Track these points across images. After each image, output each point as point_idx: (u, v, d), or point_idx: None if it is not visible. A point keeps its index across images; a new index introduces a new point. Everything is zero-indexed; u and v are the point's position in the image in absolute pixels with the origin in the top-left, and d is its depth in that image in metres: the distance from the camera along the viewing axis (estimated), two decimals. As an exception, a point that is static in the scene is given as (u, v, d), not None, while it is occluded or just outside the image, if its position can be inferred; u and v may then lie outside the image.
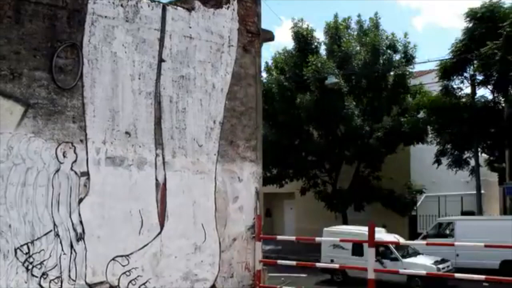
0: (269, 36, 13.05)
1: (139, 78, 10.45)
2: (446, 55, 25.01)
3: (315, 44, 27.93)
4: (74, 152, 9.53)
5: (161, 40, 10.80)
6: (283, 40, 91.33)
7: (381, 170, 28.51)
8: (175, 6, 11.25)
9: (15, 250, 8.78)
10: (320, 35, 28.36)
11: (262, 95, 12.93)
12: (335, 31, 27.28)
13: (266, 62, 29.61)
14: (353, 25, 28.38)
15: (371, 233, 11.12)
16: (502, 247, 14.96)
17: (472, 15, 23.88)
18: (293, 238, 17.09)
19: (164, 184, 10.70)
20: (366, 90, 27.07)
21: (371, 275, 10.87)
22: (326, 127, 26.83)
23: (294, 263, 13.41)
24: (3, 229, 8.68)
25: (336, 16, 27.95)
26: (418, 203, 30.21)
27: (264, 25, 12.75)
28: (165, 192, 10.70)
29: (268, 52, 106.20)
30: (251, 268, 11.97)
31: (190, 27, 11.26)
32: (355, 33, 28.17)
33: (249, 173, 12.19)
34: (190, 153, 11.14)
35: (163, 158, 10.72)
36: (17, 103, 8.96)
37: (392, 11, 79.34)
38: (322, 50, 27.92)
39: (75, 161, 9.54)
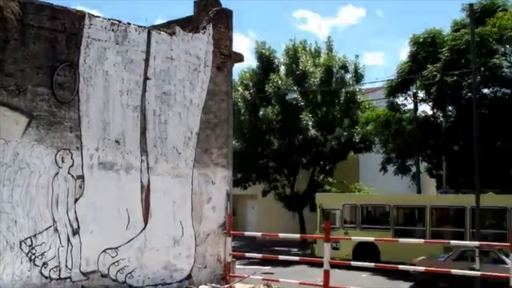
0: (239, 58, 13.79)
1: (127, 94, 11.06)
2: (392, 76, 26.03)
3: (276, 63, 28.78)
4: (71, 158, 10.11)
5: (147, 61, 11.43)
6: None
7: (333, 175, 29.60)
8: (158, 31, 11.92)
9: (20, 242, 9.32)
10: (279, 56, 28.99)
11: (230, 109, 13.60)
12: (293, 52, 28.19)
13: (233, 79, 30.07)
14: (309, 47, 29.34)
15: (327, 230, 11.70)
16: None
17: (415, 40, 24.89)
18: (259, 234, 17.43)
19: (148, 186, 11.32)
20: (320, 104, 28.06)
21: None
22: (285, 137, 27.63)
23: (260, 255, 13.95)
24: (10, 225, 9.23)
25: (293, 39, 28.94)
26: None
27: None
28: (149, 193, 11.32)
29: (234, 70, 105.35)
30: (222, 260, 12.64)
31: (171, 50, 11.91)
32: (310, 55, 29.01)
33: (221, 177, 12.90)
34: (171, 160, 11.79)
35: (147, 164, 11.34)
36: (22, 114, 9.52)
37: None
38: (282, 69, 28.76)
39: (72, 165, 10.11)
